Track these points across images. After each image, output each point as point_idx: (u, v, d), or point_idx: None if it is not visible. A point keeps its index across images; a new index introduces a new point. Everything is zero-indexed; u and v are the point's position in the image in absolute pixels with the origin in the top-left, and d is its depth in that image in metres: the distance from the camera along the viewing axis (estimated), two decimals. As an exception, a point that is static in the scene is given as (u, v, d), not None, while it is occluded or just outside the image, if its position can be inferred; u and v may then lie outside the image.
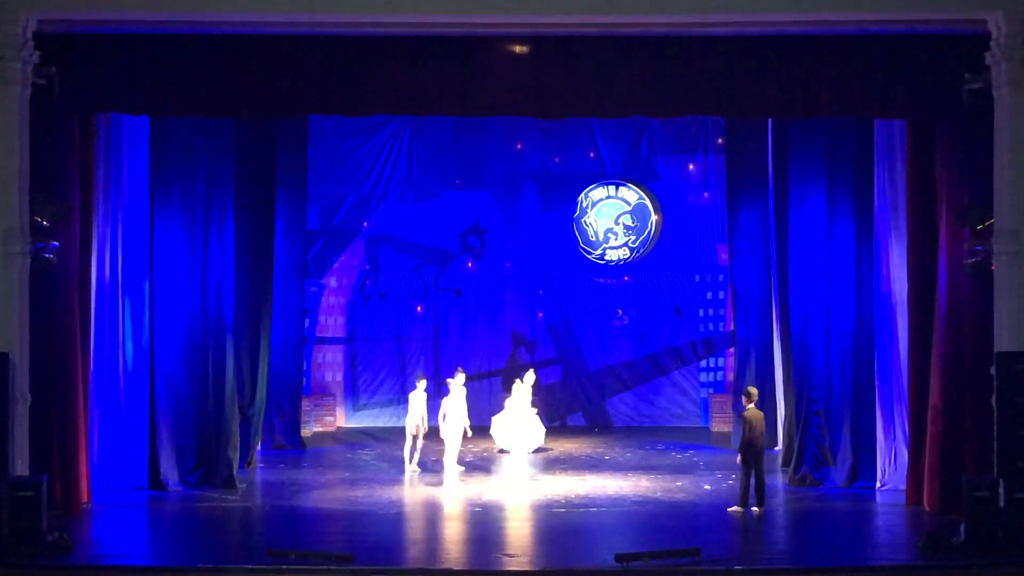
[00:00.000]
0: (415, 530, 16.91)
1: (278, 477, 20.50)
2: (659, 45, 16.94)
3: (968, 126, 16.66)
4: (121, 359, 18.75)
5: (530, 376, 20.54)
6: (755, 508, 17.49)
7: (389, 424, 26.01)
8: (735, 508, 17.58)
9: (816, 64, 16.90)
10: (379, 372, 26.45)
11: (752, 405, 17.87)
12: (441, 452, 21.04)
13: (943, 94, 16.64)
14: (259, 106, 17.62)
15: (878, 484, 18.93)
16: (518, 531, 17.09)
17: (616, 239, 26.22)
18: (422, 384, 21.02)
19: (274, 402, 22.74)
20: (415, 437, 20.75)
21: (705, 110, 18.60)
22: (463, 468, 20.67)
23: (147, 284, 18.94)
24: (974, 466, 16.49)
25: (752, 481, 17.61)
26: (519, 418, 22.68)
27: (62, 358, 17.04)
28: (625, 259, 26.28)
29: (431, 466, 20.99)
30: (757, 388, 22.61)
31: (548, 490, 19.25)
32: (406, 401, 26.15)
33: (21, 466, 15.92)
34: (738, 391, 22.70)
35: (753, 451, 17.55)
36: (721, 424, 25.14)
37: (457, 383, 21.15)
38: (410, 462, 20.72)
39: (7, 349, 15.71)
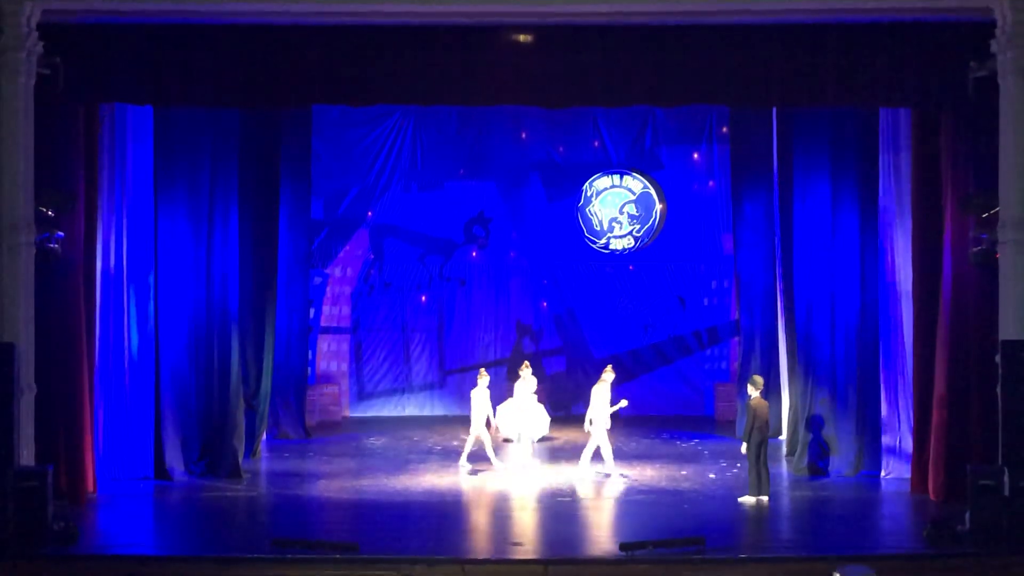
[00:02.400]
0: (420, 519, 16.92)
1: (283, 467, 20.53)
2: (663, 34, 16.92)
3: (973, 114, 16.64)
4: (126, 349, 18.77)
5: (609, 373, 19.89)
6: (761, 497, 17.50)
7: (394, 414, 26.04)
8: (746, 498, 17.60)
9: (821, 53, 16.88)
10: (384, 362, 26.44)
11: (758, 394, 17.86)
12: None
13: (948, 82, 16.61)
14: (263, 96, 17.64)
15: (883, 473, 18.93)
16: (524, 520, 17.11)
17: (621, 228, 26.19)
18: (485, 380, 20.42)
19: (279, 392, 22.74)
20: (480, 435, 19.93)
21: (710, 99, 18.54)
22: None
23: (152, 274, 18.97)
24: (979, 455, 16.50)
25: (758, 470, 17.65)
26: (523, 407, 22.66)
27: (67, 348, 17.07)
28: (630, 248, 26.25)
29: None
30: (762, 377, 22.66)
31: (553, 479, 19.25)
32: (411, 391, 26.36)
33: (27, 456, 15.94)
34: (743, 380, 22.70)
35: (757, 440, 17.55)
36: (726, 413, 25.13)
37: (528, 377, 20.61)
38: (491, 457, 20.00)
39: (13, 339, 15.72)
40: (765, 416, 17.77)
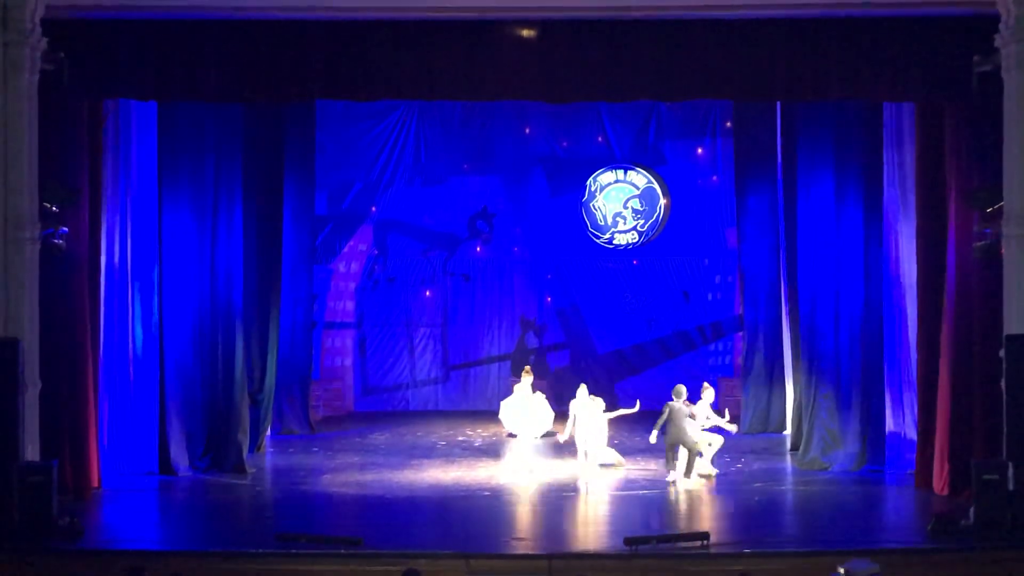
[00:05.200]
0: (424, 514, 16.93)
1: (288, 462, 20.54)
2: (667, 28, 16.92)
3: (978, 109, 16.60)
4: (131, 344, 18.80)
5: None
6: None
7: (398, 409, 26.04)
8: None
9: (825, 46, 16.86)
10: (388, 357, 26.46)
11: (680, 403, 18.50)
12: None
13: (952, 77, 16.58)
14: (267, 91, 17.64)
15: (887, 467, 18.92)
16: (527, 515, 17.11)
17: (625, 223, 26.18)
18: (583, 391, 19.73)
19: (283, 387, 22.74)
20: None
21: (714, 93, 18.56)
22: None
23: (156, 269, 18.98)
24: (983, 449, 16.49)
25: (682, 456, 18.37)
26: (527, 402, 22.66)
27: (72, 344, 17.08)
28: (634, 243, 26.23)
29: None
30: (766, 371, 22.68)
31: (557, 474, 19.26)
32: (415, 386, 26.36)
33: (32, 451, 15.97)
34: (747, 375, 22.75)
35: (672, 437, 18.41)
36: (730, 408, 25.04)
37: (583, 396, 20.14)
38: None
39: (17, 335, 15.73)
40: (678, 421, 18.34)
